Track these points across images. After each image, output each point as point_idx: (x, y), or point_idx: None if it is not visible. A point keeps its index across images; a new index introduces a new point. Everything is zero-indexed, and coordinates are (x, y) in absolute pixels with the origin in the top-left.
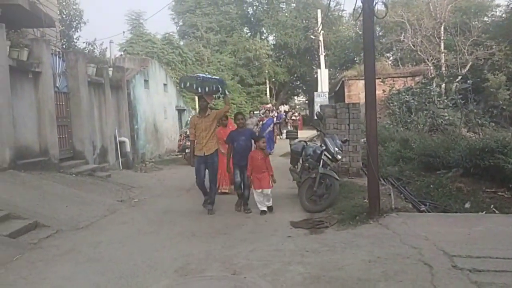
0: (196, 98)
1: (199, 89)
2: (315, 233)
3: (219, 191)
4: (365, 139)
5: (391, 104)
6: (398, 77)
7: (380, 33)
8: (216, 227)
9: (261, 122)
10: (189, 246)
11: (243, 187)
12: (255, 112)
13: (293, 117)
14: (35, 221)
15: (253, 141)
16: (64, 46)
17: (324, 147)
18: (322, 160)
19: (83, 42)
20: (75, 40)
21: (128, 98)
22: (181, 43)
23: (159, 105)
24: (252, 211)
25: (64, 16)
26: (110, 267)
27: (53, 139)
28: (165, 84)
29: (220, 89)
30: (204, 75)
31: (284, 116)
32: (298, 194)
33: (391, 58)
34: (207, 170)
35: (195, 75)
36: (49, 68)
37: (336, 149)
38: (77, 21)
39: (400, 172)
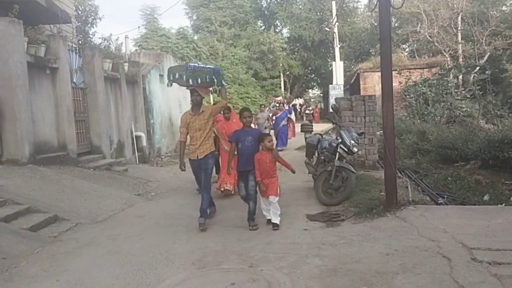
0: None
1: (190, 81)
2: (331, 226)
3: (221, 189)
4: (381, 131)
5: (408, 96)
6: (415, 68)
7: (396, 24)
8: (232, 220)
9: (274, 117)
10: (206, 239)
11: (251, 198)
12: (266, 106)
13: (307, 111)
14: (54, 214)
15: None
16: (80, 42)
17: (340, 140)
18: (338, 153)
19: (99, 38)
20: (91, 36)
21: (143, 92)
22: (195, 37)
23: (174, 99)
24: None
25: (80, 12)
26: (128, 259)
27: (71, 134)
28: None
29: (216, 80)
30: (195, 64)
31: (293, 110)
32: (314, 187)
33: (407, 49)
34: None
35: (185, 64)
36: (66, 63)
37: (352, 141)
38: (92, 17)
39: (417, 165)
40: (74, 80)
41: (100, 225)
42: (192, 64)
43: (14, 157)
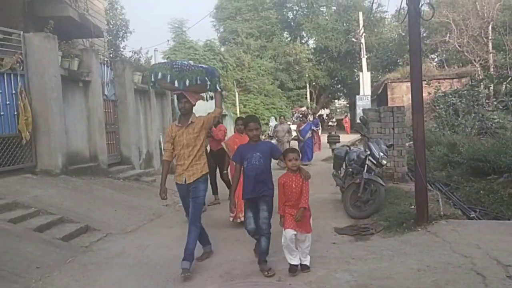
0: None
1: (176, 83)
2: (360, 240)
3: (238, 220)
4: (410, 143)
5: (437, 107)
6: (444, 78)
7: (424, 34)
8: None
9: (299, 129)
10: (234, 251)
11: (263, 233)
12: (286, 117)
13: (330, 123)
14: (86, 224)
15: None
16: (111, 55)
17: (368, 152)
18: (366, 165)
19: (129, 51)
20: (121, 49)
21: (171, 104)
22: (222, 49)
23: (201, 110)
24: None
25: (111, 26)
26: (157, 270)
27: (102, 145)
28: None
29: (209, 82)
30: (184, 61)
31: (319, 122)
32: (342, 200)
33: (436, 59)
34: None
35: (170, 61)
36: (98, 76)
37: (381, 154)
38: (123, 31)
39: (447, 177)
40: (106, 93)
41: (130, 236)
42: (180, 61)
43: (47, 168)
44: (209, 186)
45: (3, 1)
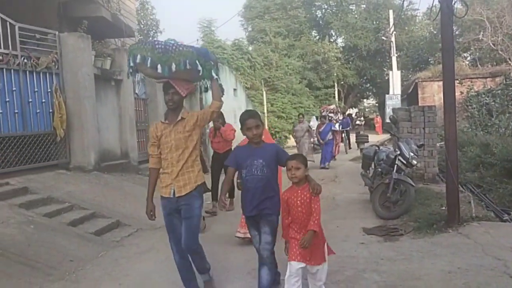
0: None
1: (159, 68)
2: (389, 240)
3: (244, 237)
4: (441, 143)
5: (470, 107)
6: (477, 78)
7: (457, 32)
8: None
9: (319, 131)
10: None
11: (264, 262)
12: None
13: (358, 122)
14: (117, 220)
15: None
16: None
17: (398, 152)
18: (396, 165)
19: None
20: None
21: (200, 103)
22: (250, 48)
23: (229, 109)
24: None
25: (142, 26)
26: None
27: (133, 143)
28: (234, 89)
29: (202, 68)
30: (168, 40)
31: (349, 121)
32: (371, 200)
33: (468, 58)
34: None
35: (152, 40)
36: None
37: (412, 154)
38: (154, 30)
39: (480, 179)
40: (136, 91)
41: (159, 231)
42: (163, 40)
43: (80, 164)
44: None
45: (39, 2)
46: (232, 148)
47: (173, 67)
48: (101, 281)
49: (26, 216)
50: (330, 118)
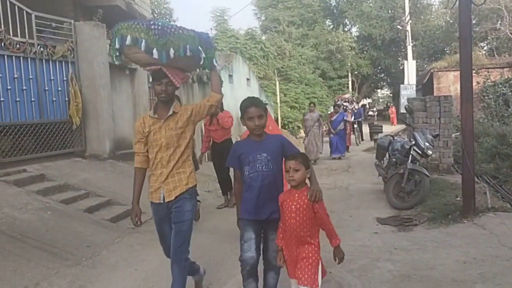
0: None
1: (155, 53)
2: (403, 230)
3: None
4: (456, 134)
5: (486, 97)
6: (494, 68)
7: (474, 21)
8: None
9: (330, 120)
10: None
11: (272, 268)
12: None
13: (370, 112)
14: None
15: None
16: None
17: (413, 142)
18: (411, 155)
19: None
20: None
21: None
22: (263, 37)
23: (242, 99)
24: None
25: (155, 15)
26: (201, 253)
27: None
28: (248, 79)
29: (204, 55)
30: (164, 21)
31: (362, 111)
32: (385, 190)
33: (485, 47)
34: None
35: (148, 20)
36: None
37: (427, 144)
38: (167, 19)
39: (496, 170)
40: (150, 80)
41: None
42: (160, 22)
43: (96, 153)
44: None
45: None
46: (232, 138)
47: (172, 52)
48: (117, 267)
49: (43, 203)
50: (345, 107)
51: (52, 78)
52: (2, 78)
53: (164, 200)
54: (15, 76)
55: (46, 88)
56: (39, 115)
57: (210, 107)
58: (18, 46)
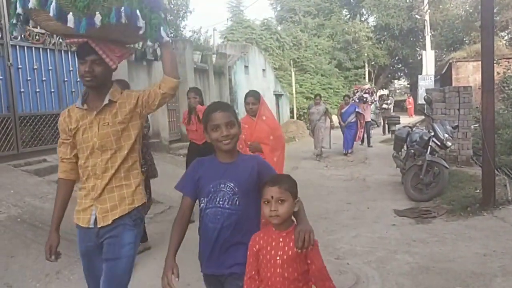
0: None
1: (70, 20)
2: (421, 222)
3: None
4: (476, 125)
5: (506, 88)
6: None
7: (495, 10)
8: (316, 212)
9: (341, 111)
10: None
11: None
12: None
13: (384, 105)
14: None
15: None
16: (172, 35)
17: (432, 133)
18: (430, 147)
19: (189, 31)
20: (182, 29)
21: (229, 83)
22: (279, 28)
23: (258, 90)
24: None
25: (172, 6)
26: None
27: (163, 123)
28: (263, 70)
29: (141, 23)
30: None
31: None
32: (402, 182)
33: (505, 37)
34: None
35: None
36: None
37: (446, 135)
38: (183, 11)
39: None
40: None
41: None
42: None
43: None
44: None
45: None
46: None
47: (98, 19)
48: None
49: None
50: (365, 99)
51: (71, 69)
52: (22, 69)
53: (95, 224)
54: (35, 67)
55: (65, 79)
56: (59, 106)
57: (163, 97)
58: (37, 37)
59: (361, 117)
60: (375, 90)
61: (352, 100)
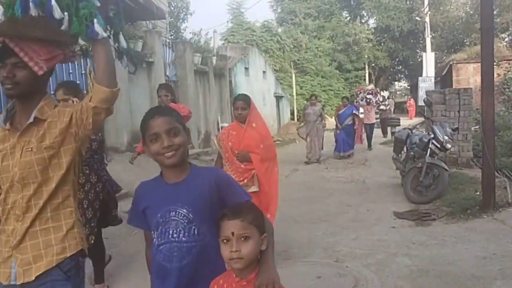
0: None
1: None
2: (421, 225)
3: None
4: (476, 127)
5: (507, 90)
6: None
7: (495, 12)
8: (316, 214)
9: (337, 113)
10: (291, 231)
11: None
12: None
13: (382, 106)
14: None
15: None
16: (172, 37)
17: (432, 135)
18: (429, 149)
19: (190, 33)
20: (182, 31)
21: (229, 85)
22: (279, 30)
23: (258, 92)
24: None
25: (172, 8)
26: None
27: None
28: (264, 71)
29: (57, 14)
30: None
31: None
32: (402, 184)
33: (506, 39)
34: None
35: None
36: (160, 58)
37: (446, 137)
38: (184, 13)
39: None
40: (167, 73)
41: None
42: None
43: (114, 145)
44: None
45: None
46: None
47: (16, 9)
48: (134, 258)
49: None
50: (368, 100)
51: (70, 71)
52: None
53: (16, 280)
54: None
55: None
56: None
57: (95, 112)
58: None
59: (359, 120)
60: (378, 91)
61: (356, 101)
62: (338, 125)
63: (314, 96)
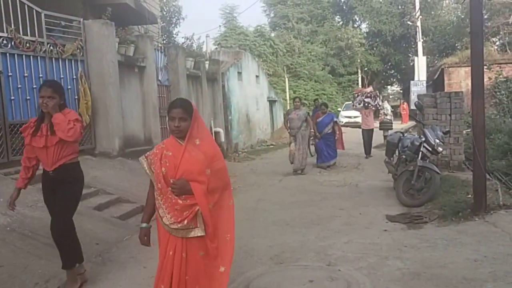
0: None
1: None
2: (413, 228)
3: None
4: (467, 130)
5: (498, 93)
6: (506, 63)
7: (486, 16)
8: (309, 218)
9: (316, 121)
10: (283, 235)
11: None
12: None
13: (388, 117)
14: (141, 205)
15: None
16: (165, 42)
17: (423, 139)
18: (421, 152)
19: (182, 37)
20: (174, 36)
21: (222, 90)
22: (272, 34)
23: (252, 96)
24: None
25: (164, 13)
26: None
27: (156, 129)
28: (257, 76)
29: None
30: None
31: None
32: (394, 187)
33: (497, 43)
34: None
35: None
36: (152, 62)
37: (437, 140)
38: (176, 17)
39: (508, 167)
40: (159, 78)
41: None
42: None
43: (105, 150)
44: None
45: None
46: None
47: None
48: (126, 264)
49: None
50: (366, 104)
51: (61, 76)
52: (13, 77)
53: None
54: (25, 74)
55: None
56: None
57: None
58: (28, 45)
59: (338, 128)
60: (378, 94)
61: (353, 105)
62: (317, 134)
63: (298, 99)
